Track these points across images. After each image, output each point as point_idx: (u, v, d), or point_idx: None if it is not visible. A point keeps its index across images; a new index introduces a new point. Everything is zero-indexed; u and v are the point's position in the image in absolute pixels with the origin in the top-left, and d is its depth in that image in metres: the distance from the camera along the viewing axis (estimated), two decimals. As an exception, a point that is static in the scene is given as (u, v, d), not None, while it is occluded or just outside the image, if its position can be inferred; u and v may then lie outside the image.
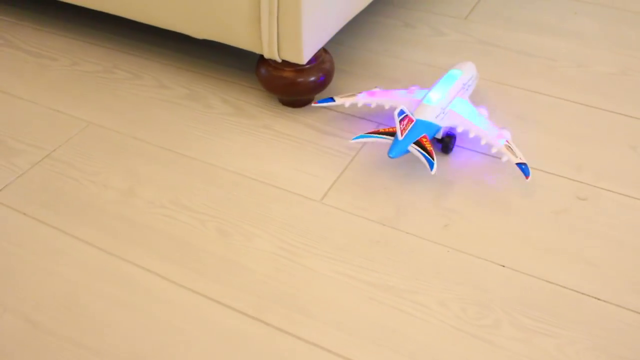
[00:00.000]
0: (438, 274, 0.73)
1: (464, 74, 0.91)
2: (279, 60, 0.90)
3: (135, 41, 1.13)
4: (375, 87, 0.96)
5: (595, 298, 0.71)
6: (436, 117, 0.84)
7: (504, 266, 0.74)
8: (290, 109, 0.97)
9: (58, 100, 1.00)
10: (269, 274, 0.73)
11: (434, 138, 0.88)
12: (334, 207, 0.81)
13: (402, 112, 0.81)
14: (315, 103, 0.93)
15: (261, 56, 0.93)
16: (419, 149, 0.81)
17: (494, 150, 0.83)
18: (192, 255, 0.75)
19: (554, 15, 1.22)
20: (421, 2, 1.26)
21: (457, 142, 0.90)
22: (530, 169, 0.84)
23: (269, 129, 0.93)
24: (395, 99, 0.91)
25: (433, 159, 0.81)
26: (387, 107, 0.92)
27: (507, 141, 0.83)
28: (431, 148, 0.82)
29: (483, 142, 0.84)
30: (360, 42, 1.14)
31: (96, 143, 0.92)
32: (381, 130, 0.84)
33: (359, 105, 0.93)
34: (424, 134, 0.82)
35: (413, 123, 0.83)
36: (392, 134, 0.83)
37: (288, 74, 0.91)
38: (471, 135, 0.85)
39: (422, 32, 1.16)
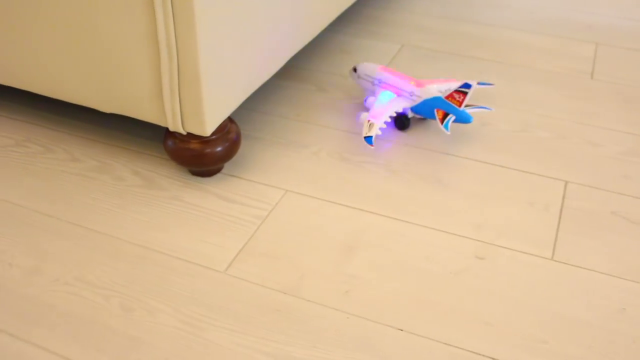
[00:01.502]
0: (337, 341, 0.74)
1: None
2: (184, 133, 0.92)
3: (48, 113, 1.14)
4: (367, 116, 1.05)
5: (491, 358, 0.73)
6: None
7: (402, 330, 0.76)
8: (199, 178, 0.99)
9: (-34, 177, 0.99)
10: (171, 350, 0.73)
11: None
12: (238, 277, 0.82)
13: (467, 85, 1.02)
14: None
15: (167, 128, 0.94)
16: (470, 107, 1.09)
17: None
18: (95, 333, 0.75)
19: (461, 75, 1.27)
20: (334, 66, 1.30)
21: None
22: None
23: (178, 200, 0.94)
24: (395, 100, 1.08)
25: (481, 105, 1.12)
26: (394, 114, 1.08)
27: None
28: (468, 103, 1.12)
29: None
30: (271, 107, 1.16)
31: (2, 219, 0.91)
32: (440, 118, 1.04)
33: (385, 126, 1.09)
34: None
35: (466, 95, 1.03)
36: (446, 114, 1.04)
37: (194, 145, 0.93)
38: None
39: (335, 96, 1.20)
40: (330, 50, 1.35)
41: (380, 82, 1.10)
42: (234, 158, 1.02)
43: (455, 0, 1.62)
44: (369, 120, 1.02)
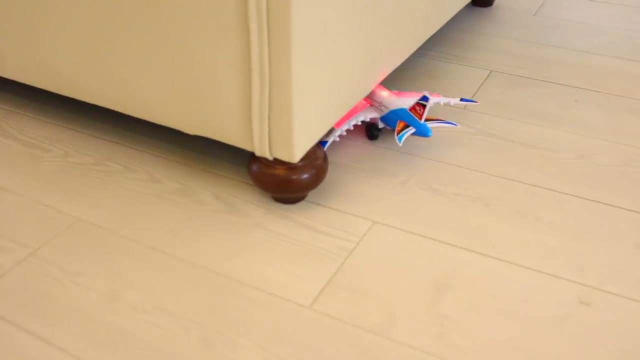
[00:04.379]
0: (431, 390, 0.69)
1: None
2: (271, 158, 0.88)
3: (130, 132, 1.12)
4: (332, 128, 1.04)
5: (600, 417, 0.66)
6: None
7: (501, 381, 0.70)
8: (283, 205, 0.95)
9: (47, 194, 0.98)
10: (252, 390, 0.69)
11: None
12: (324, 313, 0.77)
13: (425, 98, 0.99)
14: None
15: (253, 153, 0.91)
16: (434, 121, 1.05)
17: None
18: (174, 366, 0.72)
19: (555, 104, 1.21)
20: (419, 91, 1.25)
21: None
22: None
23: (261, 228, 0.91)
24: (363, 110, 1.06)
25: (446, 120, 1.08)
26: (359, 122, 1.06)
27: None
28: (434, 117, 1.08)
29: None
30: (355, 132, 1.12)
31: (82, 241, 0.89)
32: (399, 128, 1.00)
33: (345, 133, 1.09)
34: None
35: (425, 107, 0.99)
36: (406, 125, 1.01)
37: (280, 171, 0.89)
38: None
39: (420, 123, 1.15)
40: (416, 75, 1.31)
41: None
42: (320, 185, 0.98)
43: (544, 24, 1.55)
44: (332, 127, 1.02)
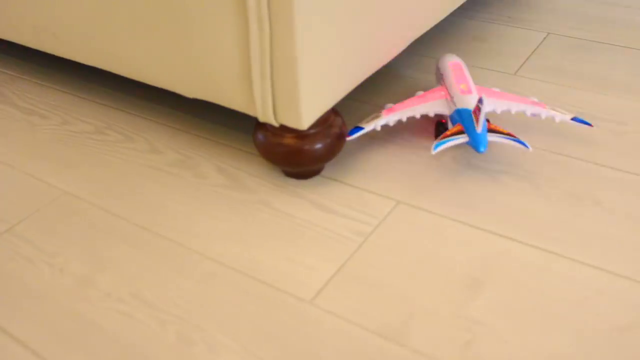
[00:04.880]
0: (452, 413, 0.55)
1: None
2: (277, 125, 0.75)
3: (132, 97, 1.01)
4: (386, 105, 0.86)
5: None
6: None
7: (542, 405, 0.55)
8: (294, 181, 0.82)
9: (38, 165, 0.88)
10: (230, 403, 0.56)
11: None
12: (326, 310, 0.64)
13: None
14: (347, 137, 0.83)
15: (257, 119, 0.78)
16: (500, 135, 0.80)
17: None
18: (145, 368, 0.60)
19: (621, 70, 1.03)
20: (465, 54, 1.09)
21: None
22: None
23: (266, 206, 0.78)
24: (425, 103, 0.85)
25: (517, 137, 0.80)
26: (418, 116, 0.85)
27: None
28: (506, 130, 0.81)
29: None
30: (386, 99, 0.98)
31: (64, 217, 0.78)
32: (448, 133, 0.79)
33: (391, 124, 0.86)
34: (487, 120, 0.82)
35: (480, 111, 0.79)
36: (461, 131, 0.79)
37: (289, 140, 0.76)
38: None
39: (463, 90, 0.99)
40: (461, 38, 1.15)
41: (440, 78, 0.89)
42: (337, 158, 0.85)
43: (614, -16, 1.37)
44: (380, 113, 0.84)
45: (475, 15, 1.24)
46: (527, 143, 0.82)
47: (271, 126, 0.77)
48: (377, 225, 0.74)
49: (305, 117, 0.72)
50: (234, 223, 0.76)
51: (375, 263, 0.69)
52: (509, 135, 0.79)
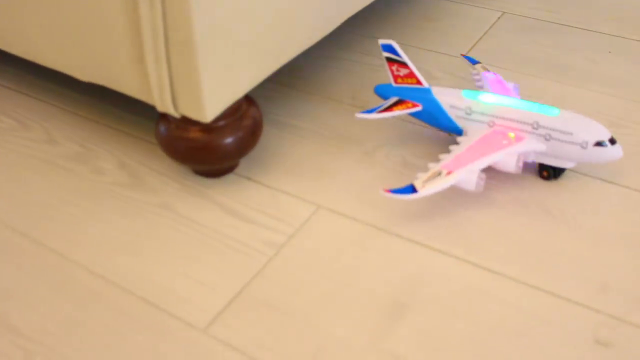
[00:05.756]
0: None
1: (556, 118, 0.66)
2: (177, 116, 0.64)
3: (34, 77, 0.89)
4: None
5: None
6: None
7: None
8: (203, 180, 0.71)
9: None
10: None
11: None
12: (222, 341, 0.54)
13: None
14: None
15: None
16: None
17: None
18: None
19: (581, 55, 0.94)
20: (411, 37, 0.99)
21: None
22: (411, 190, 0.69)
23: (168, 210, 0.67)
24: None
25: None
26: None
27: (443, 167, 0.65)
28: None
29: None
30: (318, 86, 0.88)
31: None
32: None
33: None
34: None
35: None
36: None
37: (194, 134, 0.66)
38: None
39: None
40: (409, 16, 1.05)
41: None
42: (255, 153, 0.75)
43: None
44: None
45: (426, -9, 1.13)
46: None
47: (174, 118, 0.66)
48: (292, 234, 0.64)
49: (209, 107, 0.62)
50: (128, 230, 0.65)
51: (285, 282, 0.59)
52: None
